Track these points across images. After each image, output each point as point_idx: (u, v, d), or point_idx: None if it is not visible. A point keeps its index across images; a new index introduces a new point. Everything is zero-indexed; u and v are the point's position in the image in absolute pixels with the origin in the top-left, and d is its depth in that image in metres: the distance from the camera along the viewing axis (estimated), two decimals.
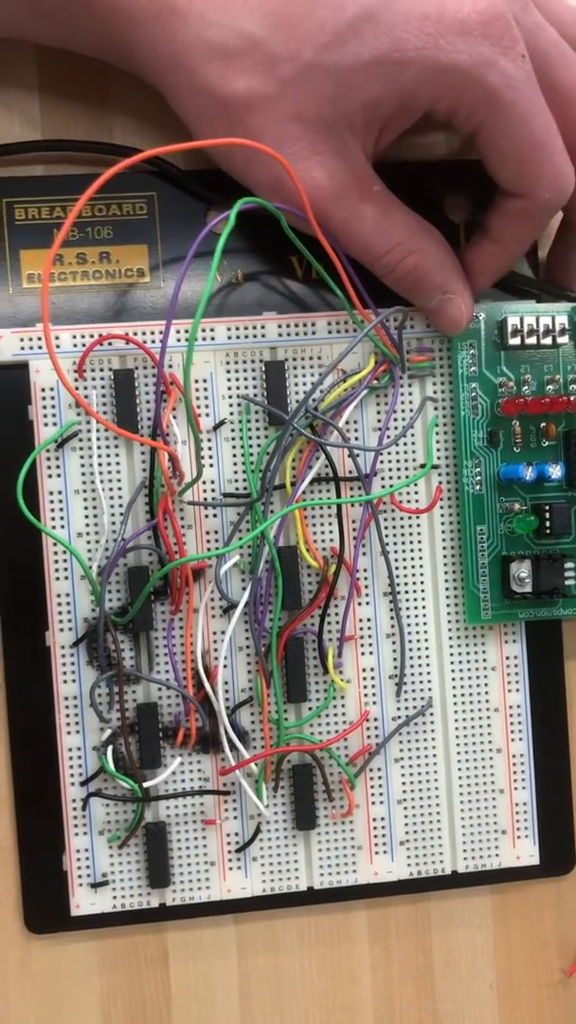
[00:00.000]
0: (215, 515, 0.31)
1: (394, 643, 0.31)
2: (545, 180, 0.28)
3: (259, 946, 0.32)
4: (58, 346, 0.30)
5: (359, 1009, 0.32)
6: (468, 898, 0.32)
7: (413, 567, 0.31)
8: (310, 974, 0.32)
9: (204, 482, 0.31)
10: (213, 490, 0.31)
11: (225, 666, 0.31)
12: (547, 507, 0.31)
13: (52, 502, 0.30)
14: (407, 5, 0.26)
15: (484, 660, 0.32)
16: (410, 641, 0.31)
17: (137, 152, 0.30)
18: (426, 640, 0.32)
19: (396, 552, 0.31)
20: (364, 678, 0.31)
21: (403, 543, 0.31)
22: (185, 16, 0.27)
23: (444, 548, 0.32)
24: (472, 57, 0.26)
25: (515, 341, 0.31)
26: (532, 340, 0.31)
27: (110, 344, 0.30)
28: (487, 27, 0.26)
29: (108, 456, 0.30)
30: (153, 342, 0.30)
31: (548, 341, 0.31)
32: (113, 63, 0.30)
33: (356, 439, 0.31)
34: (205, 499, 0.31)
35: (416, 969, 0.32)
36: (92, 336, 0.30)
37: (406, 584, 0.31)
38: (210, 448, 0.31)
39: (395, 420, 0.31)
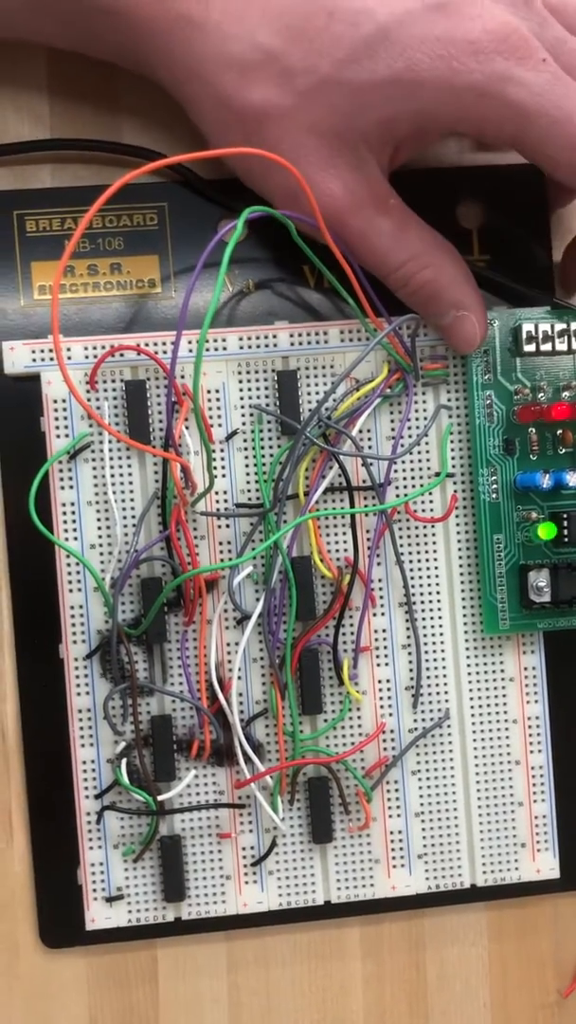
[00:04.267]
0: (228, 526, 0.30)
1: (410, 654, 0.31)
2: None
3: (250, 959, 0.31)
4: (69, 358, 0.30)
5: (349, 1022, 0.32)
6: (463, 914, 0.32)
7: (429, 577, 0.31)
8: (301, 987, 0.31)
9: (217, 492, 0.30)
10: (226, 500, 0.30)
11: (239, 678, 0.30)
12: (565, 515, 0.31)
13: (65, 514, 0.30)
14: (421, 26, 0.26)
15: (502, 671, 0.31)
16: (426, 652, 0.31)
17: (147, 152, 0.31)
18: (443, 651, 0.31)
19: (411, 562, 0.31)
20: (380, 689, 0.31)
21: (418, 553, 0.31)
22: (203, 27, 0.27)
23: (460, 557, 0.31)
24: (486, 75, 0.26)
25: (530, 348, 0.30)
26: (547, 347, 0.30)
27: (122, 355, 0.30)
28: (500, 44, 0.26)
29: (120, 467, 0.30)
30: (165, 353, 0.30)
31: (563, 347, 0.30)
32: (129, 69, 0.30)
33: (370, 448, 0.31)
34: (218, 510, 0.30)
35: (409, 985, 0.32)
36: (103, 347, 0.30)
37: (422, 594, 0.31)
38: (223, 458, 0.30)
39: (409, 429, 0.31)
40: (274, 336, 0.30)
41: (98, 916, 0.30)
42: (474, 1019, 0.32)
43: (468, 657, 0.31)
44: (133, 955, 0.31)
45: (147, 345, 0.30)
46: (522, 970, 0.32)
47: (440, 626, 0.31)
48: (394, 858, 0.31)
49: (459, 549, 0.31)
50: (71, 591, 0.30)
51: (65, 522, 0.30)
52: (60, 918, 0.30)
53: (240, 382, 0.31)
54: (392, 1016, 0.32)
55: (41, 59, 0.31)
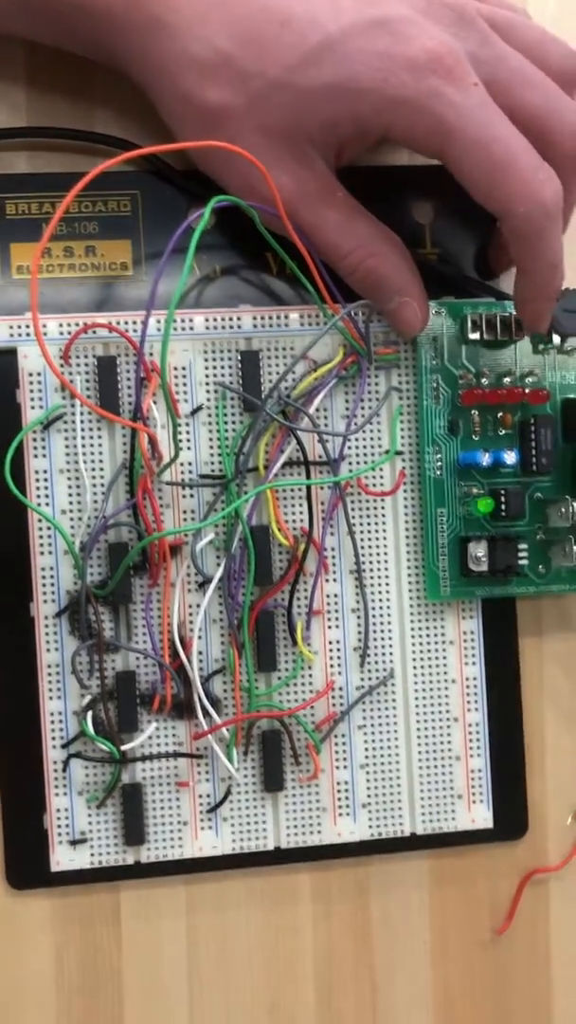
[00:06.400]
0: (192, 495, 0.32)
1: (359, 617, 0.33)
2: (516, 196, 0.28)
3: (208, 902, 0.33)
4: (45, 334, 0.32)
5: (299, 960, 0.34)
6: (406, 862, 0.34)
7: (377, 546, 0.34)
8: (255, 928, 0.34)
9: (182, 464, 0.32)
10: (190, 471, 0.32)
11: (200, 637, 0.33)
12: (503, 491, 0.33)
13: (38, 481, 0.32)
14: (365, 40, 0.28)
15: (443, 634, 0.34)
16: (373, 616, 0.33)
17: (119, 141, 0.32)
18: (388, 615, 0.34)
19: (361, 532, 0.33)
20: (330, 650, 0.33)
21: (368, 524, 0.33)
22: (172, 29, 0.29)
23: (406, 529, 0.34)
24: (418, 90, 0.28)
25: (475, 336, 0.33)
26: (490, 335, 0.33)
27: (94, 332, 0.32)
28: (435, 63, 0.27)
29: (91, 438, 0.32)
30: (135, 331, 0.32)
31: (505, 336, 0.33)
32: (103, 64, 0.31)
33: (325, 425, 0.33)
34: (183, 479, 0.32)
35: (355, 926, 0.34)
36: (77, 325, 0.32)
37: (370, 562, 0.33)
38: (188, 432, 0.32)
39: (362, 408, 0.33)
40: (238, 319, 0.33)
41: (62, 859, 0.32)
42: (416, 956, 0.35)
43: (412, 621, 0.34)
44: (97, 897, 0.33)
45: (119, 323, 0.32)
46: (460, 912, 0.35)
47: (387, 592, 0.34)
48: (340, 807, 0.33)
49: (405, 521, 0.34)
50: (43, 553, 0.32)
51: (38, 489, 0.32)
52: (26, 860, 0.32)
53: (206, 361, 0.33)
54: (339, 954, 0.34)
55: (19, 51, 0.33)
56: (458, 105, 0.28)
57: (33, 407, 0.32)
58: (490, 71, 0.28)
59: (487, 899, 0.35)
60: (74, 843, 0.32)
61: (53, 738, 0.32)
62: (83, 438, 0.32)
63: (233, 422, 0.33)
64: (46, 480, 0.32)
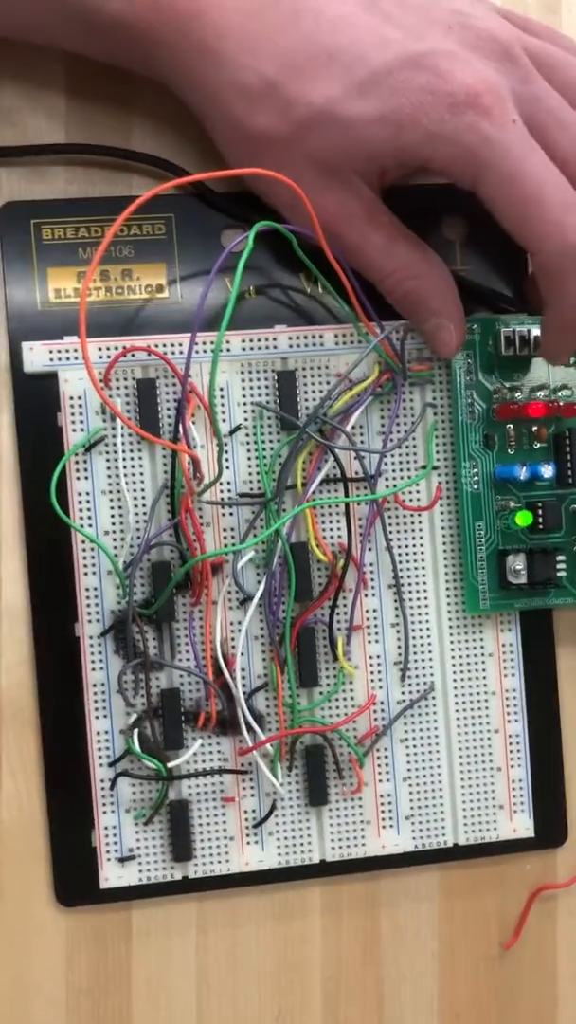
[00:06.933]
0: (231, 514, 0.33)
1: (398, 632, 0.34)
2: (544, 235, 0.28)
3: (218, 913, 0.34)
4: (78, 358, 0.32)
5: (307, 969, 0.34)
6: (418, 874, 0.34)
7: (416, 561, 0.34)
8: (264, 935, 0.34)
9: (221, 483, 0.33)
10: (229, 490, 0.33)
11: (242, 654, 0.33)
12: (539, 504, 0.33)
13: (81, 503, 0.32)
14: (407, 75, 0.28)
15: (482, 647, 0.34)
16: (413, 630, 0.34)
17: (155, 160, 0.33)
18: (428, 629, 0.34)
19: (400, 547, 0.34)
20: (371, 664, 0.34)
21: (406, 539, 0.34)
22: (220, 56, 0.29)
23: (444, 543, 0.34)
24: (455, 126, 0.28)
25: (508, 351, 0.33)
26: (524, 350, 0.33)
27: (133, 355, 0.32)
28: (473, 99, 0.28)
29: (132, 460, 0.32)
30: (173, 353, 0.32)
31: (539, 351, 0.33)
32: (152, 80, 0.32)
33: (362, 442, 0.33)
34: (222, 499, 0.33)
35: (363, 936, 0.34)
36: (116, 348, 0.32)
37: (409, 577, 0.34)
38: (227, 451, 0.33)
39: (398, 425, 0.34)
40: (274, 339, 0.33)
41: (111, 875, 0.33)
42: (423, 967, 0.35)
43: (451, 634, 0.34)
44: (111, 907, 0.33)
45: (158, 346, 0.32)
46: (468, 925, 0.35)
47: (426, 606, 0.34)
48: (384, 819, 0.34)
49: (443, 535, 0.34)
50: (86, 574, 0.32)
51: (81, 510, 0.32)
52: (75, 877, 0.33)
53: (243, 381, 0.33)
54: (347, 964, 0.34)
55: (60, 61, 0.33)
56: (493, 140, 0.28)
57: (75, 430, 0.32)
58: (528, 109, 0.29)
59: (495, 913, 0.35)
60: (122, 860, 0.33)
61: (100, 757, 0.32)
62: (124, 460, 0.32)
63: (271, 441, 0.33)
64: (89, 502, 0.32)
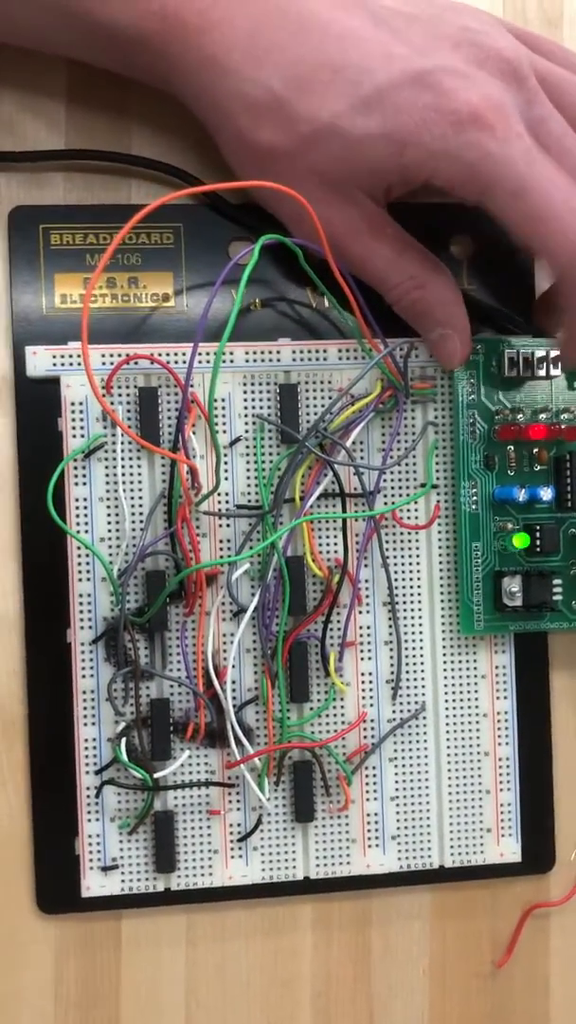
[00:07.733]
0: (228, 525, 0.33)
1: (391, 650, 0.34)
2: (556, 245, 0.29)
3: (208, 927, 0.33)
4: (81, 363, 0.32)
5: (297, 984, 0.34)
6: (409, 894, 0.34)
7: (411, 579, 0.34)
8: (254, 950, 0.34)
9: (219, 494, 0.33)
10: (227, 502, 0.33)
11: (233, 666, 0.33)
12: (538, 527, 0.33)
13: (78, 508, 0.32)
14: (413, 93, 0.28)
15: (475, 668, 0.34)
16: (406, 648, 0.34)
17: (159, 165, 0.33)
18: (421, 648, 0.34)
19: (396, 565, 0.34)
20: (363, 682, 0.33)
21: (403, 557, 0.34)
22: (226, 69, 0.29)
23: (441, 562, 0.34)
24: (458, 143, 0.28)
25: (512, 373, 0.33)
26: (527, 372, 0.33)
27: (136, 363, 0.32)
28: (476, 116, 0.28)
29: (131, 467, 0.32)
30: (176, 363, 0.32)
31: (542, 373, 0.33)
32: (170, 95, 0.32)
33: (362, 458, 0.33)
34: (220, 510, 0.33)
35: (355, 952, 0.34)
36: (119, 355, 0.32)
37: (404, 595, 0.34)
38: (226, 462, 0.33)
39: (398, 442, 0.33)
40: (277, 352, 0.33)
41: (93, 884, 0.32)
42: (414, 984, 0.35)
43: (444, 655, 0.34)
44: (100, 918, 0.33)
45: (161, 355, 0.32)
46: (460, 943, 0.35)
47: (420, 625, 0.34)
48: (369, 838, 0.34)
49: (440, 555, 0.34)
50: (80, 580, 0.32)
51: (78, 516, 0.32)
52: (57, 885, 0.32)
53: (245, 393, 0.33)
54: (337, 980, 0.34)
55: (62, 68, 0.33)
56: (496, 156, 0.28)
57: (75, 436, 0.32)
58: (532, 131, 0.29)
59: (488, 931, 0.35)
60: (105, 869, 0.32)
61: (87, 764, 0.32)
62: (123, 467, 0.32)
63: (271, 454, 0.33)
64: (86, 508, 0.32)
